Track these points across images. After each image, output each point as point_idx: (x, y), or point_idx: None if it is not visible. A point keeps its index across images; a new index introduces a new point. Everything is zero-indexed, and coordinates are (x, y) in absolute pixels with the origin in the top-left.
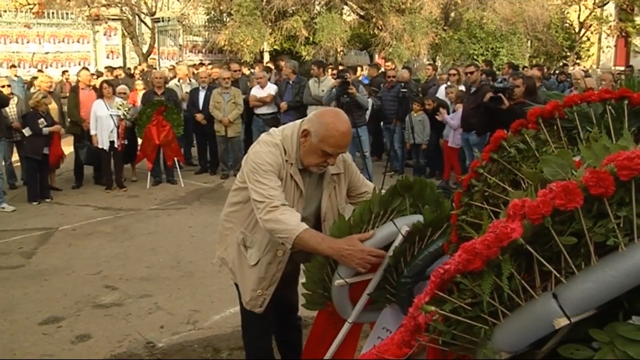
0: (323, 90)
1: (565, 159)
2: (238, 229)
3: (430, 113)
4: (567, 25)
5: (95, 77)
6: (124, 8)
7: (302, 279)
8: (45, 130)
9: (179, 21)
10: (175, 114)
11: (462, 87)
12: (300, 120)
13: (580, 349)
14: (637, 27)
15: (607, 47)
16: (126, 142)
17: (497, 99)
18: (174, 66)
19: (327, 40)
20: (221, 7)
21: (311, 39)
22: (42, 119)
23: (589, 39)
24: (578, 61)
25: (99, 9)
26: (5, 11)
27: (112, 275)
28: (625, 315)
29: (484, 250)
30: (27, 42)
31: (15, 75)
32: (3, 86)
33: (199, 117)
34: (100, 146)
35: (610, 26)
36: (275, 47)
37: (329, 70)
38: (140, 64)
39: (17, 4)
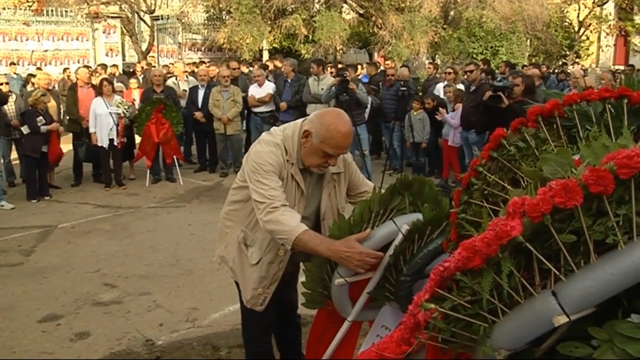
0: (322, 89)
1: (564, 158)
2: (238, 228)
3: (430, 111)
4: (567, 24)
5: (98, 74)
6: (123, 6)
7: (302, 278)
8: (44, 128)
9: (178, 19)
10: (175, 112)
11: (460, 86)
12: (301, 119)
13: (579, 346)
14: (637, 26)
15: (606, 46)
16: (125, 140)
17: (497, 98)
18: (167, 66)
19: (326, 39)
20: (220, 5)
21: (310, 37)
22: (41, 117)
23: (588, 38)
24: (577, 60)
25: (98, 7)
26: (4, 9)
27: (111, 273)
28: (625, 313)
29: (484, 248)
30: (26, 40)
31: (15, 73)
32: (1, 84)
33: (198, 115)
34: (99, 144)
35: (610, 25)
36: (274, 45)
37: (328, 69)
38: (139, 62)
39: (16, 2)
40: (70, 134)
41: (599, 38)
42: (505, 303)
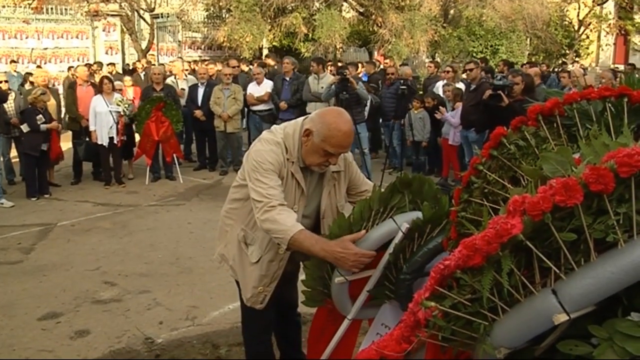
0: (322, 87)
1: (564, 156)
2: (239, 226)
3: (430, 110)
4: (567, 23)
5: (94, 72)
6: (122, 4)
7: (302, 276)
8: (43, 127)
9: (178, 17)
10: (174, 110)
11: (459, 85)
12: (302, 118)
13: (579, 345)
14: (637, 25)
15: (606, 45)
16: (124, 139)
17: (497, 97)
18: (162, 64)
19: (326, 37)
20: (220, 4)
21: (310, 35)
22: (40, 116)
23: (588, 37)
24: (577, 59)
25: (97, 5)
26: (3, 6)
27: (111, 271)
28: (624, 311)
29: (484, 246)
30: (26, 38)
31: (15, 71)
32: (0, 82)
33: (198, 113)
34: (99, 142)
35: (610, 24)
36: (274, 43)
37: (329, 67)
38: (139, 60)
39: (15, 0)
40: (70, 132)
41: (598, 37)
42: (505, 301)
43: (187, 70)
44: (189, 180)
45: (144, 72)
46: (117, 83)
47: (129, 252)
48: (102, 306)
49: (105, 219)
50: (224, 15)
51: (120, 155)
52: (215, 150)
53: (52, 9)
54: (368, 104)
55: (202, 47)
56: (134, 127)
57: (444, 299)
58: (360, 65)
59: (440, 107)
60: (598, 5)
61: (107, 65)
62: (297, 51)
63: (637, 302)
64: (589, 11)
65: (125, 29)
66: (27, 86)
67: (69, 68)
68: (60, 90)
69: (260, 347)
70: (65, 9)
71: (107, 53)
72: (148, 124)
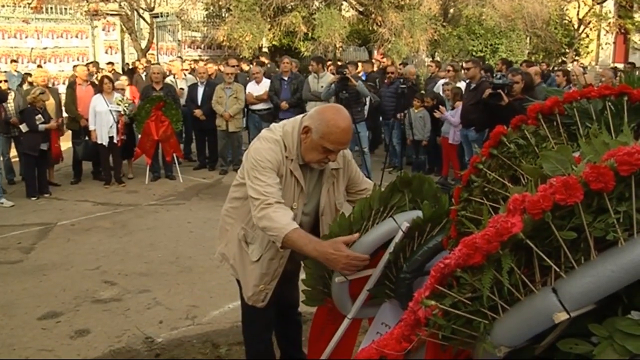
0: (322, 86)
1: (564, 155)
2: (239, 225)
3: (429, 109)
4: (566, 21)
5: (98, 70)
6: (122, 3)
7: (302, 275)
8: (42, 127)
9: (177, 16)
10: (174, 109)
11: (460, 84)
12: (301, 115)
13: (579, 343)
14: (636, 24)
15: (606, 44)
16: (124, 138)
17: (496, 96)
18: (158, 64)
19: (325, 36)
20: (220, 3)
21: (310, 34)
22: (40, 115)
23: (588, 36)
24: (577, 58)
25: (97, 4)
26: (3, 6)
27: (111, 270)
28: (625, 310)
29: (484, 245)
30: (26, 37)
31: (16, 71)
32: (0, 81)
33: (198, 112)
34: (99, 141)
35: (610, 23)
36: (274, 42)
37: (329, 66)
38: (139, 60)
39: None
40: (69, 132)
41: (598, 36)
42: (505, 300)
43: (186, 69)
44: (189, 180)
45: (144, 72)
46: (118, 83)
47: (128, 251)
48: (102, 305)
49: (105, 218)
50: (223, 15)
51: (120, 155)
52: (215, 149)
53: (51, 8)
54: (367, 102)
55: (202, 46)
56: (134, 126)
57: (444, 297)
58: (360, 64)
59: (440, 107)
60: (598, 4)
61: (107, 64)
62: (297, 50)
63: (637, 301)
64: (589, 10)
65: (124, 29)
66: (26, 86)
67: (75, 67)
68: (62, 89)
69: (260, 346)
70: (65, 9)
71: (106, 52)
72: (148, 124)
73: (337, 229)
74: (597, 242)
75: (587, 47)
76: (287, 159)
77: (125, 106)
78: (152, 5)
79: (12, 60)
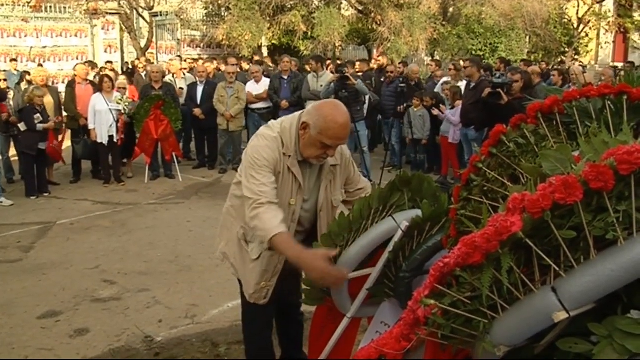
0: (321, 85)
1: (564, 154)
2: (238, 224)
3: (429, 108)
4: (566, 21)
5: (94, 69)
6: (121, 2)
7: (304, 274)
8: (40, 126)
9: (177, 15)
10: (173, 108)
11: (460, 83)
12: (300, 112)
13: (579, 342)
14: (636, 23)
15: (605, 43)
16: (124, 137)
17: (496, 95)
18: (152, 62)
19: (325, 35)
20: (219, 2)
21: (309, 33)
22: (38, 115)
23: (587, 35)
24: (577, 57)
25: (96, 3)
26: (2, 5)
27: (111, 269)
28: (624, 309)
29: (484, 244)
30: (25, 36)
31: (15, 70)
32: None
33: (197, 112)
34: (99, 140)
35: (609, 22)
36: (273, 42)
37: (329, 65)
38: (138, 59)
39: None
40: (68, 131)
41: (598, 35)
42: (505, 299)
43: (185, 68)
44: (188, 179)
45: (144, 72)
46: (119, 82)
47: (128, 250)
48: (101, 305)
49: (104, 217)
50: (223, 14)
51: (120, 154)
52: (215, 148)
53: (51, 7)
54: (367, 101)
55: (201, 45)
56: (134, 125)
57: (443, 296)
58: (359, 63)
59: (441, 106)
60: (597, 3)
61: (105, 63)
62: (296, 49)
63: (636, 300)
64: (588, 9)
65: (124, 28)
66: (24, 85)
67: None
68: (61, 88)
69: (261, 344)
70: (64, 7)
71: (106, 51)
72: (147, 123)
73: (337, 229)
74: (597, 241)
75: (586, 46)
76: (285, 156)
77: (126, 105)
78: (152, 4)
79: (12, 59)
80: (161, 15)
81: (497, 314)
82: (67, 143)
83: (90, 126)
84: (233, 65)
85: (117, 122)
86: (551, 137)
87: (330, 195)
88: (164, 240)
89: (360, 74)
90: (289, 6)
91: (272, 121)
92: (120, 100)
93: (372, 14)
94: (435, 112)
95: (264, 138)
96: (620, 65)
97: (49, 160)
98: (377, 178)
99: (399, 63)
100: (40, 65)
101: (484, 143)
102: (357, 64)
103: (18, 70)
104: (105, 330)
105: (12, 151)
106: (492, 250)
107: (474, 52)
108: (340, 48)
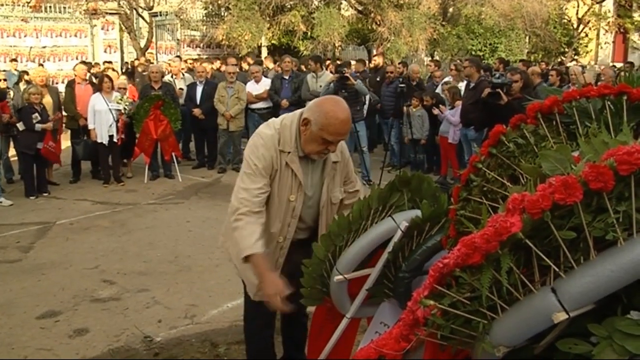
0: (321, 86)
1: (564, 154)
2: None
3: (428, 108)
4: (566, 21)
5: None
6: (121, 2)
7: None
8: (38, 126)
9: (176, 15)
10: (173, 108)
11: (461, 84)
12: (301, 110)
13: (578, 343)
14: (636, 23)
15: (605, 43)
16: (124, 137)
17: (496, 95)
18: (150, 61)
19: (325, 35)
20: (219, 2)
21: (309, 34)
22: (37, 114)
23: (587, 35)
24: (576, 57)
25: (96, 3)
26: (2, 5)
27: (110, 269)
28: (624, 310)
29: (483, 244)
30: (25, 36)
31: (15, 70)
32: None
33: (197, 112)
34: (99, 140)
35: (609, 22)
36: (273, 42)
37: (328, 65)
38: (138, 59)
39: None
40: (68, 131)
41: (597, 35)
42: (504, 300)
43: (183, 69)
44: (188, 179)
45: (144, 72)
46: (119, 82)
47: (127, 250)
48: (100, 305)
49: (104, 217)
50: (222, 14)
51: (120, 154)
52: (214, 148)
53: (50, 7)
54: (367, 102)
55: (201, 45)
56: (133, 125)
57: (443, 297)
58: (354, 63)
59: (441, 106)
60: (597, 3)
61: (103, 63)
62: (296, 49)
63: (636, 301)
64: (588, 9)
65: (124, 28)
66: (22, 84)
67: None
68: (61, 88)
69: (261, 343)
70: (64, 7)
71: (105, 51)
72: (147, 123)
73: (336, 229)
74: (597, 242)
75: (586, 46)
76: (283, 152)
77: (126, 105)
78: (151, 4)
79: (12, 60)
80: (161, 15)
81: (496, 315)
82: (66, 143)
83: (90, 126)
84: (233, 65)
85: (117, 121)
86: (551, 138)
87: (330, 192)
88: (163, 240)
89: (357, 74)
90: (289, 6)
91: (273, 118)
92: (121, 100)
93: (372, 14)
94: (436, 111)
95: (259, 137)
96: (618, 65)
97: (48, 160)
98: (376, 178)
99: (399, 63)
100: (40, 65)
101: (483, 143)
102: (353, 63)
103: (18, 70)
104: (105, 330)
105: (12, 151)
106: (491, 251)
107: (473, 52)
108: (340, 48)
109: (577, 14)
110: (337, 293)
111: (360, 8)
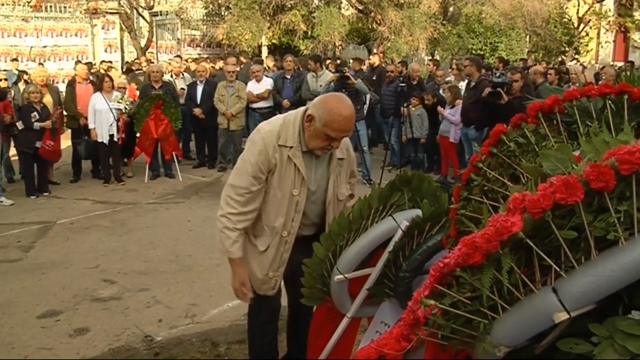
0: (321, 85)
1: (564, 154)
2: None
3: (428, 108)
4: (566, 20)
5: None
6: (121, 1)
7: None
8: (37, 125)
9: (177, 15)
10: (173, 108)
11: (461, 84)
12: (305, 107)
13: (579, 343)
14: (636, 22)
15: (605, 42)
16: (124, 137)
17: (496, 94)
18: (150, 61)
19: (325, 35)
20: (219, 1)
21: (309, 33)
22: (35, 113)
23: (587, 34)
24: (577, 56)
25: (96, 3)
26: (2, 4)
27: (110, 269)
28: (625, 309)
29: (484, 244)
30: (25, 36)
31: (16, 69)
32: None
33: (197, 111)
34: (99, 140)
35: (609, 21)
36: (273, 41)
37: (329, 65)
38: (138, 58)
39: None
40: (69, 130)
41: (598, 34)
42: (505, 299)
43: (182, 68)
44: (188, 178)
45: (138, 71)
46: (119, 81)
47: (128, 250)
48: (101, 304)
49: (104, 217)
50: (223, 13)
51: (120, 153)
52: (215, 147)
53: (51, 7)
54: (367, 101)
55: (202, 44)
56: (134, 124)
57: (443, 297)
58: (352, 62)
59: (439, 107)
60: (597, 2)
61: (101, 62)
62: (297, 49)
63: (637, 301)
64: (589, 8)
65: (124, 27)
66: (22, 84)
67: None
68: (61, 88)
69: (265, 339)
70: (64, 7)
71: (106, 51)
72: (147, 122)
73: (337, 228)
74: (598, 242)
75: (586, 45)
76: (284, 147)
77: (127, 104)
78: (152, 4)
79: (13, 59)
80: (161, 14)
81: (497, 315)
82: (66, 143)
83: (91, 125)
84: (232, 64)
85: (118, 121)
86: (552, 137)
87: (336, 189)
88: (164, 239)
89: (353, 72)
90: (289, 5)
91: (277, 115)
92: (121, 99)
93: (372, 14)
94: (441, 110)
95: (258, 132)
96: (619, 64)
97: (48, 160)
98: (377, 177)
99: (399, 62)
100: (40, 64)
101: (484, 142)
102: (351, 61)
103: (19, 70)
104: (105, 329)
105: (13, 151)
106: (492, 251)
107: (474, 52)
108: (340, 47)
109: (577, 13)
110: (337, 292)
111: (360, 7)
